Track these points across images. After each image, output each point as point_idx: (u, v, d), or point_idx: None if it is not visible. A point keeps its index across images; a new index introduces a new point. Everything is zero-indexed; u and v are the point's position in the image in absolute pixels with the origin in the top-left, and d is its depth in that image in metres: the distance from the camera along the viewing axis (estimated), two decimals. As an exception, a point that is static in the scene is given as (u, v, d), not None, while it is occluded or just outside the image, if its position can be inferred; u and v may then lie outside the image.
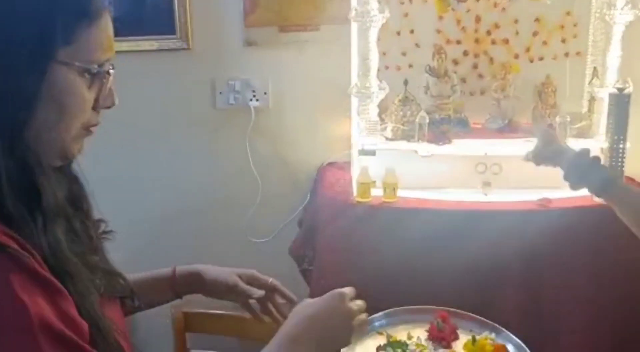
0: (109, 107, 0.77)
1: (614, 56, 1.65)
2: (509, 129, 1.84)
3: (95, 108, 0.75)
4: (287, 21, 1.99)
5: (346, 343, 0.89)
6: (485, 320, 1.27)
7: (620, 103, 1.58)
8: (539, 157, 1.38)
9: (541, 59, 1.96)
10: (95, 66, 0.72)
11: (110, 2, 0.75)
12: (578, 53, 1.93)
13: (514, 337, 1.20)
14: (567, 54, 1.95)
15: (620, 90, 1.58)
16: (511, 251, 1.59)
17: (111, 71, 0.75)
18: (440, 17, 1.92)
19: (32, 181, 0.68)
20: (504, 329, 1.24)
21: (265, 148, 2.05)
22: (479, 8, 1.90)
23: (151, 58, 1.99)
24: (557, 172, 1.70)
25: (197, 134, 2.05)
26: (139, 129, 2.00)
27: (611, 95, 1.59)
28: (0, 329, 0.61)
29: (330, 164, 2.02)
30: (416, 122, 1.69)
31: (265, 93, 2.03)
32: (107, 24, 0.73)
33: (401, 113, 1.75)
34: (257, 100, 2.02)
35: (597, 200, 1.35)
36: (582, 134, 1.75)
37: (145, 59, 1.98)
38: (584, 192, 1.66)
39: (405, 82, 1.76)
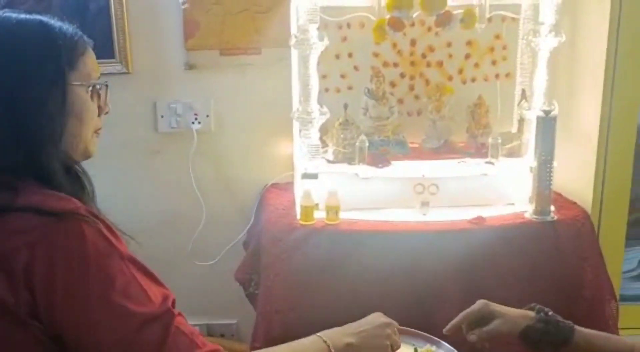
0: (106, 113, 1.04)
1: (540, 80, 1.75)
2: (445, 149, 1.92)
3: (99, 115, 1.02)
4: (228, 44, 2.00)
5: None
6: (427, 335, 1.34)
7: (546, 125, 1.67)
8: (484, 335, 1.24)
9: (473, 80, 2.05)
10: (93, 83, 0.98)
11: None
12: (507, 75, 2.03)
13: (454, 350, 1.28)
14: (497, 76, 2.04)
15: (547, 112, 1.67)
16: (450, 269, 1.65)
17: (106, 85, 1.02)
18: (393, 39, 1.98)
19: (72, 174, 0.99)
20: (444, 342, 1.31)
21: (209, 171, 2.06)
22: (414, 32, 1.96)
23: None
24: (491, 191, 1.81)
25: (139, 157, 2.04)
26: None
27: (538, 118, 1.68)
28: (105, 255, 0.87)
29: (273, 185, 2.04)
30: (356, 146, 1.73)
31: (207, 116, 2.03)
32: (92, 53, 1.00)
33: (342, 136, 1.79)
34: (199, 123, 2.02)
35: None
36: (512, 153, 1.84)
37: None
38: (515, 209, 1.79)
39: (345, 106, 1.81)
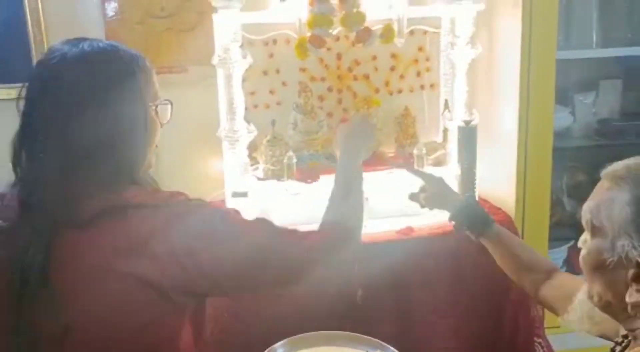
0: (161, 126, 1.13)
1: (459, 91, 1.80)
2: (375, 160, 1.95)
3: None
4: (153, 63, 1.96)
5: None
6: (376, 340, 1.34)
7: (467, 135, 1.73)
8: (430, 202, 1.56)
9: (399, 92, 2.09)
10: (160, 102, 1.09)
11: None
12: (432, 85, 2.08)
13: None
14: (422, 87, 2.09)
15: (467, 122, 1.73)
16: (381, 280, 1.68)
17: (171, 103, 1.13)
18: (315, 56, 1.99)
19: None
20: (390, 347, 1.32)
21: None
22: (339, 47, 1.99)
23: (8, 107, 1.89)
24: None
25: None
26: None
27: (459, 128, 1.73)
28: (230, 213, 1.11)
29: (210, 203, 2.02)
30: (284, 163, 1.74)
31: (135, 136, 2.00)
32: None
33: (270, 153, 1.79)
34: (127, 143, 1.99)
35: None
36: (438, 162, 1.88)
37: (2, 109, 1.88)
38: (444, 217, 1.83)
39: (273, 123, 1.81)
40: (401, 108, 2.02)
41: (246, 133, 1.72)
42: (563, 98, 2.13)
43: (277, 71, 2.00)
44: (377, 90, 2.07)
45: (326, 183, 1.77)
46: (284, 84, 2.01)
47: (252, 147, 1.89)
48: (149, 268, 0.95)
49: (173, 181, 2.04)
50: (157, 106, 1.08)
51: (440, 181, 1.56)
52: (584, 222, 0.93)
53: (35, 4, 1.87)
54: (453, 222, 1.48)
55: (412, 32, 1.92)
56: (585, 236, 0.94)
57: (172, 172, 2.05)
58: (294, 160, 1.74)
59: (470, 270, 1.73)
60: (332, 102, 2.06)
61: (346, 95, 2.06)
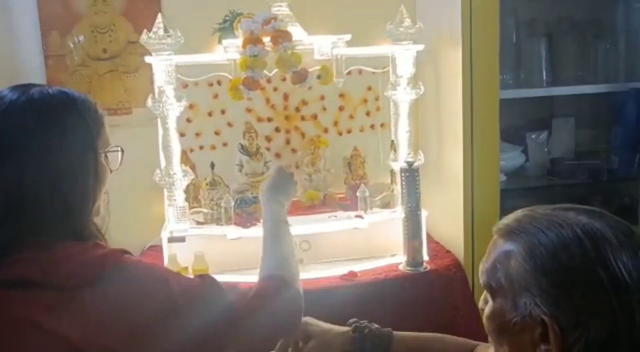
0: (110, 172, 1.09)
1: (402, 131, 1.77)
2: (324, 203, 1.90)
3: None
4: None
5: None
6: None
7: (410, 176, 1.68)
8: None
9: (349, 131, 2.06)
10: (111, 149, 1.06)
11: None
12: (382, 125, 2.05)
13: None
14: (372, 126, 2.07)
15: (410, 164, 1.69)
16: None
17: (122, 150, 1.09)
18: (250, 98, 1.97)
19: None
20: None
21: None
22: (286, 87, 1.97)
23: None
24: (364, 244, 1.80)
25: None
26: None
27: (402, 170, 1.70)
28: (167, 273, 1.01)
29: (151, 247, 1.96)
30: (222, 206, 1.69)
31: (77, 179, 1.95)
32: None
33: (209, 197, 1.75)
34: (69, 187, 1.94)
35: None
36: (385, 204, 1.84)
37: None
38: (390, 261, 1.77)
39: (212, 165, 1.77)
40: (350, 148, 1.98)
41: (181, 176, 1.67)
42: (515, 137, 2.10)
43: (223, 112, 1.98)
44: (325, 131, 2.05)
45: (266, 227, 1.73)
46: (229, 124, 1.99)
47: (196, 191, 1.84)
48: (72, 328, 0.90)
49: (116, 224, 2.01)
50: (107, 153, 1.05)
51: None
52: (482, 284, 0.88)
53: (-26, 46, 1.85)
54: None
55: (360, 72, 1.91)
56: (486, 297, 0.89)
57: (114, 215, 2.01)
58: (232, 203, 1.69)
59: (416, 313, 1.66)
60: (280, 143, 2.03)
61: (294, 135, 2.04)
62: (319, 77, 1.67)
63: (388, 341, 1.17)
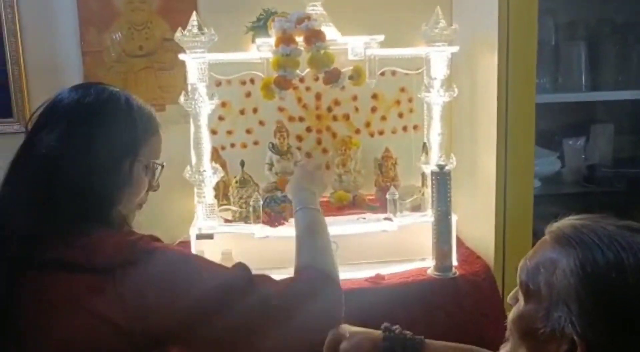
0: (155, 190, 1.16)
1: (434, 134, 1.74)
2: (353, 204, 1.89)
3: (147, 191, 1.13)
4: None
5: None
6: None
7: (441, 180, 1.66)
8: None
9: (381, 133, 2.04)
10: (153, 162, 1.10)
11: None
12: (415, 127, 2.03)
13: None
14: (405, 128, 2.05)
15: (441, 167, 1.66)
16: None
17: (163, 164, 1.14)
18: (282, 97, 1.97)
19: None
20: None
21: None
22: (318, 86, 1.96)
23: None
24: (392, 247, 1.78)
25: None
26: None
27: (433, 173, 1.67)
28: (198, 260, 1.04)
29: (180, 243, 1.98)
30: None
31: (111, 174, 1.99)
32: (160, 135, 1.13)
33: (238, 194, 1.75)
34: (103, 181, 1.98)
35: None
36: (415, 208, 1.81)
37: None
38: (418, 265, 1.75)
39: (242, 163, 1.77)
40: (382, 150, 1.96)
41: (211, 174, 1.68)
42: (551, 142, 2.05)
43: (255, 110, 1.98)
44: (357, 131, 2.03)
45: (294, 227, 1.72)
46: (261, 123, 1.99)
47: (227, 188, 1.85)
48: (113, 308, 0.93)
49: (148, 218, 2.03)
50: (150, 164, 1.09)
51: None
52: (518, 281, 0.85)
53: (15, 43, 1.89)
54: None
55: (393, 73, 1.89)
56: (517, 295, 0.86)
57: (149, 210, 2.03)
58: (260, 202, 1.70)
59: (442, 320, 1.64)
60: (311, 143, 2.03)
61: (326, 135, 2.03)
62: (351, 77, 1.65)
63: (420, 349, 1.12)
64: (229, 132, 1.98)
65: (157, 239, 1.02)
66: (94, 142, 1.01)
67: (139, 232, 1.04)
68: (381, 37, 1.68)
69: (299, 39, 1.61)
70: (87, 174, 1.00)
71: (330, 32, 1.71)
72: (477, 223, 1.85)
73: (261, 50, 1.65)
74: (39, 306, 0.95)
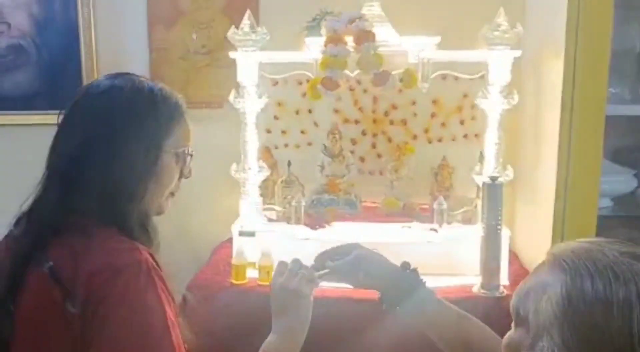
0: (187, 178, 1.11)
1: (490, 143, 1.64)
2: (403, 212, 1.82)
3: (179, 179, 1.09)
4: (191, 99, 2.01)
5: (303, 308, 1.09)
6: None
7: (492, 192, 1.56)
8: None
9: (440, 140, 1.95)
10: (182, 150, 1.05)
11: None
12: (477, 135, 1.92)
13: None
14: (466, 136, 1.94)
15: (493, 179, 1.56)
16: (383, 343, 1.53)
17: (192, 152, 1.09)
18: (338, 98, 1.94)
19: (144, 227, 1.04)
20: None
21: (165, 224, 2.04)
22: (375, 89, 1.91)
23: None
24: (437, 260, 1.69)
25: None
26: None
27: (484, 185, 1.57)
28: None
29: (230, 239, 2.00)
30: (292, 205, 1.68)
31: (170, 167, 2.05)
32: (187, 121, 1.08)
33: (283, 195, 1.74)
34: (162, 174, 2.04)
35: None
36: (467, 220, 1.72)
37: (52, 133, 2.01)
38: (463, 281, 1.65)
39: (289, 164, 1.76)
40: (440, 158, 1.88)
41: (256, 172, 1.68)
42: (627, 159, 1.87)
43: (310, 111, 1.96)
44: (414, 137, 1.96)
45: (337, 230, 1.69)
46: (315, 124, 1.97)
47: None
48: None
49: (204, 214, 2.09)
50: (177, 152, 1.05)
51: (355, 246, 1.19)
52: (510, 305, 0.78)
53: (89, 37, 2.00)
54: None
55: (456, 78, 1.80)
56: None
57: (203, 205, 2.08)
58: (302, 203, 1.67)
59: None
60: (365, 147, 1.98)
61: (381, 140, 1.97)
62: (401, 80, 1.59)
63: (421, 282, 1.14)
64: (283, 132, 1.97)
65: (144, 265, 0.94)
66: (116, 136, 0.99)
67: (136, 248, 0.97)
68: (437, 39, 1.61)
69: (350, 40, 1.57)
70: (108, 166, 0.98)
71: (387, 32, 1.66)
72: (534, 240, 1.72)
73: (312, 50, 1.63)
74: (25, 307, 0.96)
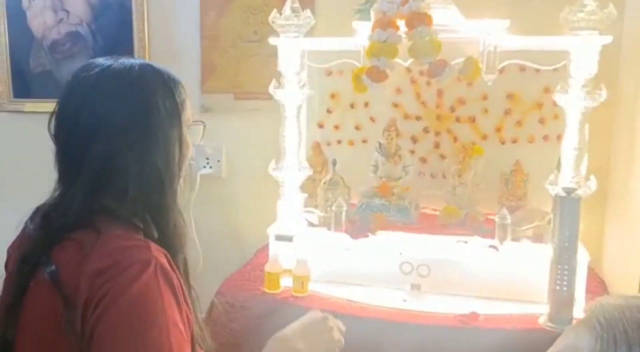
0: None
1: (570, 148, 1.37)
2: (463, 222, 1.59)
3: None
4: (241, 89, 1.91)
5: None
6: None
7: (567, 207, 1.29)
8: None
9: (514, 141, 1.70)
10: (194, 122, 1.04)
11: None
12: (559, 137, 1.64)
13: None
14: (545, 137, 1.67)
15: (569, 191, 1.29)
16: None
17: (204, 125, 1.10)
18: (398, 90, 1.73)
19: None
20: None
21: (212, 217, 1.95)
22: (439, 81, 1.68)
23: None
24: (497, 283, 1.45)
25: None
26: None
27: (557, 197, 1.31)
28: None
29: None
30: (333, 210, 1.50)
31: (218, 161, 1.95)
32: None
33: (325, 197, 1.57)
34: (210, 167, 1.95)
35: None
36: (538, 237, 1.46)
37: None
38: (530, 309, 1.40)
39: (334, 162, 1.59)
40: (512, 162, 1.63)
41: (297, 170, 1.52)
42: None
43: (366, 105, 1.77)
44: (484, 137, 1.71)
45: (380, 240, 1.50)
46: (372, 119, 1.77)
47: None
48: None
49: (252, 209, 1.96)
50: (190, 127, 1.02)
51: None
52: None
53: (142, 26, 1.94)
54: None
55: (537, 70, 1.54)
56: None
57: (252, 200, 1.96)
58: (344, 208, 1.49)
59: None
60: (427, 146, 1.76)
61: (445, 139, 1.74)
62: (461, 71, 1.36)
63: None
64: (336, 127, 1.80)
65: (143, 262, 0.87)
66: (150, 121, 0.93)
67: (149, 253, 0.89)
68: (506, 22, 1.36)
69: (402, 24, 1.36)
70: (144, 150, 0.93)
71: (450, 15, 1.43)
72: (626, 266, 1.43)
73: (360, 36, 1.44)
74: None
